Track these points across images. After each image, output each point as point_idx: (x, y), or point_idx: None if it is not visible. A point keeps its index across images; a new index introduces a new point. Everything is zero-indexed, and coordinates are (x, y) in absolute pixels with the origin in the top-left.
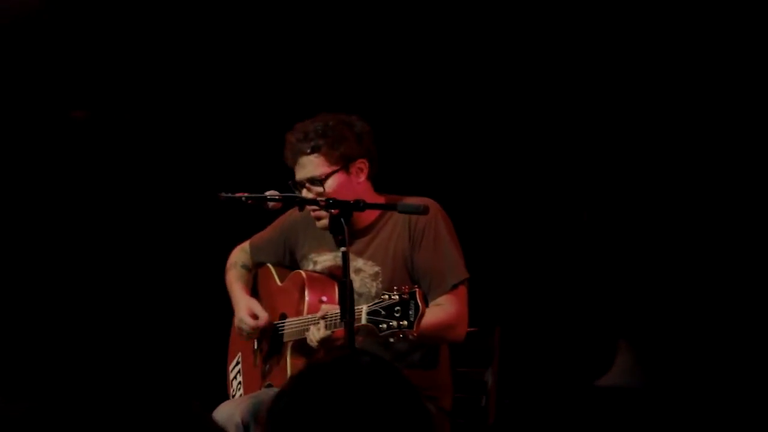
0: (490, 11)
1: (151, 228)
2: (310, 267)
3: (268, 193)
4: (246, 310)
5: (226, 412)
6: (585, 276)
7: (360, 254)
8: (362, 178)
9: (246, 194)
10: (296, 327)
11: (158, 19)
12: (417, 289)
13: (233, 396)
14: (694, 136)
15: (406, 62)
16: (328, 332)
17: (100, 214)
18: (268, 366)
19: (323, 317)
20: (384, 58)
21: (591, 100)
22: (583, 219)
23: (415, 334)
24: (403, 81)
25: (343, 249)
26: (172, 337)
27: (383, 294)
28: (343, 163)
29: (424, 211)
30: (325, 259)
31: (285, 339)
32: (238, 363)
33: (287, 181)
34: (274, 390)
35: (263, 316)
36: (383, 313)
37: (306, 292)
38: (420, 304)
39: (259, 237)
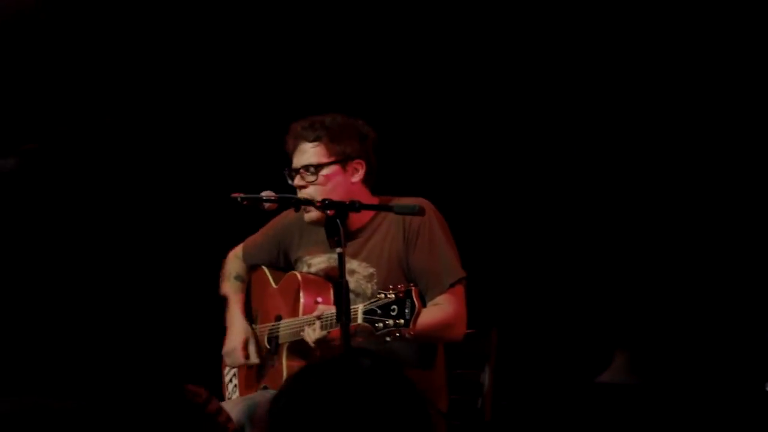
0: (484, 12)
1: (149, 228)
2: (304, 269)
3: (263, 193)
4: (241, 343)
5: None
6: (581, 277)
7: (354, 256)
8: (357, 179)
9: (241, 194)
10: (292, 329)
11: (159, 20)
12: (413, 288)
13: (229, 399)
14: (692, 139)
15: (402, 62)
16: (324, 333)
17: (101, 214)
18: (263, 368)
19: (318, 317)
20: (379, 58)
21: (589, 100)
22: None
23: (412, 333)
24: (398, 81)
25: (339, 250)
26: (169, 338)
27: (379, 293)
28: (341, 159)
29: (420, 212)
30: (319, 261)
31: (281, 341)
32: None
33: (282, 182)
34: (269, 392)
35: (253, 357)
36: (379, 312)
37: (301, 294)
38: (416, 302)
39: (252, 241)
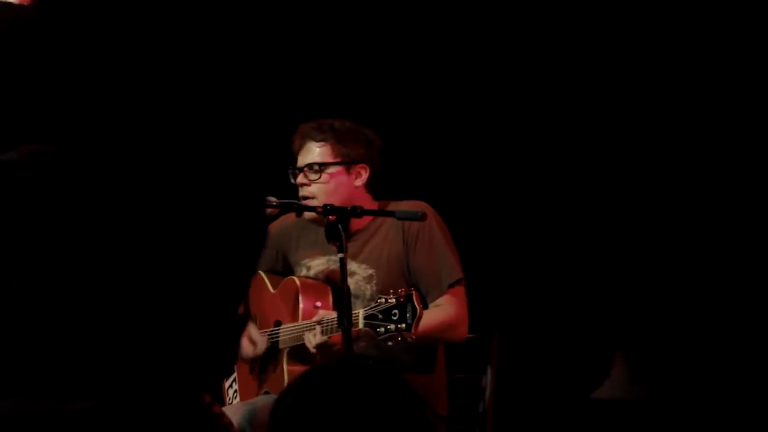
0: (482, 14)
1: (161, 230)
2: (303, 272)
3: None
4: (245, 335)
5: None
6: (584, 281)
7: (354, 258)
8: (360, 183)
9: None
10: (291, 334)
11: (165, 21)
12: (414, 292)
13: (229, 404)
14: (694, 140)
15: (401, 65)
16: (325, 338)
17: (119, 213)
18: (264, 374)
19: (319, 322)
20: (379, 60)
21: (589, 102)
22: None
23: (414, 337)
24: (400, 85)
25: (340, 255)
26: (185, 339)
27: (380, 297)
28: (346, 161)
29: (422, 217)
30: (318, 264)
31: (281, 346)
32: (233, 372)
33: (283, 187)
34: (270, 397)
35: (261, 343)
36: (380, 317)
37: (300, 299)
38: (417, 306)
39: None
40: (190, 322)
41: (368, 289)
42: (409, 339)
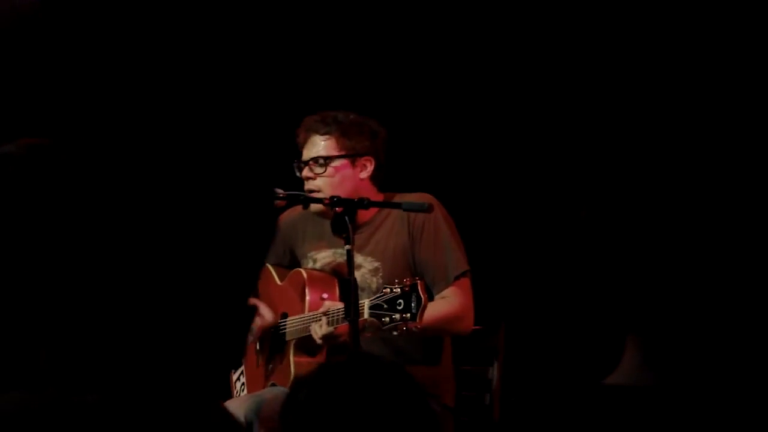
0: (490, 5)
1: (168, 224)
2: (310, 265)
3: None
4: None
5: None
6: (591, 272)
7: (360, 250)
8: (365, 175)
9: None
10: (298, 325)
11: (169, 15)
12: (419, 281)
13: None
14: (697, 127)
15: (406, 56)
16: (331, 328)
17: (129, 207)
18: (271, 366)
19: (325, 314)
20: (384, 52)
21: (589, 95)
22: (582, 215)
23: (419, 326)
24: (405, 78)
25: (347, 247)
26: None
27: (385, 287)
28: (351, 154)
29: (428, 209)
30: (325, 256)
31: (287, 338)
32: (241, 364)
33: (289, 180)
34: (278, 389)
35: (267, 313)
36: (385, 306)
37: (307, 291)
38: (422, 295)
39: None
40: (198, 314)
41: (374, 282)
42: (413, 328)
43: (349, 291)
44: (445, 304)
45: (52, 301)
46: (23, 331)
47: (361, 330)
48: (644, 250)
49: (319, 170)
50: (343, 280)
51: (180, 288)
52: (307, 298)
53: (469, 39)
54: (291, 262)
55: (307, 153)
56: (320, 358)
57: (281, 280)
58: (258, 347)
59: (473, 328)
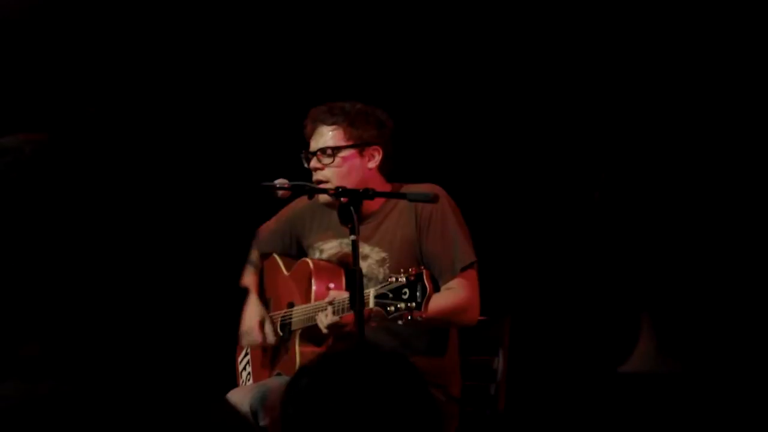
0: (495, 5)
1: (171, 219)
2: (317, 255)
3: (277, 181)
4: (257, 323)
5: (235, 401)
6: (596, 263)
7: (367, 240)
8: (373, 165)
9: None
10: (304, 315)
11: (172, 9)
12: (424, 271)
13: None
14: (710, 112)
15: (413, 46)
16: (336, 318)
17: (133, 202)
18: (276, 355)
19: (330, 303)
20: (391, 42)
21: (598, 79)
22: (595, 199)
23: (424, 316)
24: (413, 68)
25: (353, 237)
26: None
27: (390, 277)
28: (358, 144)
29: (434, 199)
30: (331, 247)
31: (293, 327)
32: (246, 354)
33: (295, 170)
34: (283, 378)
35: (270, 337)
36: (391, 295)
37: (313, 280)
38: (428, 285)
39: (265, 228)
40: (192, 301)
41: (381, 272)
42: (419, 318)
43: (355, 281)
44: (451, 295)
45: (44, 292)
46: (16, 323)
47: (366, 319)
48: (658, 232)
49: (327, 161)
50: (350, 270)
51: (172, 277)
52: (314, 288)
53: (476, 27)
54: (298, 252)
55: (315, 144)
56: (326, 347)
57: (288, 270)
58: None
59: (479, 318)
